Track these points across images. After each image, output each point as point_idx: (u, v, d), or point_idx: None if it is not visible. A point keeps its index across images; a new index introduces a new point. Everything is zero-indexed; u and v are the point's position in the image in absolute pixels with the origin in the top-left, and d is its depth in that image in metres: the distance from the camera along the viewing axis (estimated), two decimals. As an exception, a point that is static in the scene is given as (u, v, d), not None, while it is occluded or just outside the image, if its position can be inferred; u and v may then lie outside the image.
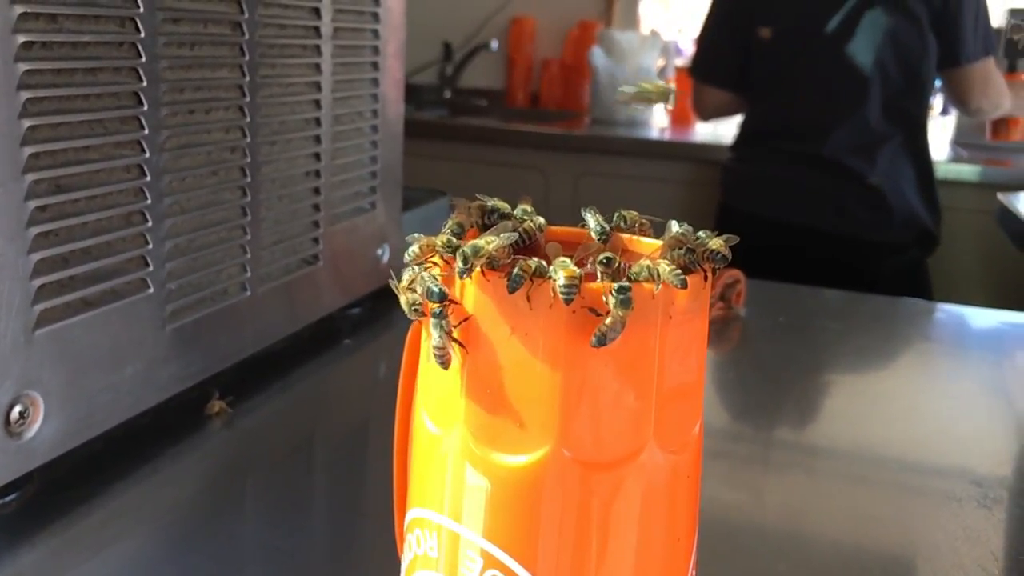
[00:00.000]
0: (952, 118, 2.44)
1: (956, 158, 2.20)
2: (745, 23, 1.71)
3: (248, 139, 0.60)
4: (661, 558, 0.28)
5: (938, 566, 0.47)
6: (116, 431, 0.52)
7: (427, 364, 0.29)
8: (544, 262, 0.26)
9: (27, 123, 0.44)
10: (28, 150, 0.44)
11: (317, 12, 0.65)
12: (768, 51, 1.70)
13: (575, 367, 0.26)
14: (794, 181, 1.70)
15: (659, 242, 0.30)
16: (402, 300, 0.29)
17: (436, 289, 0.27)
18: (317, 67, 0.66)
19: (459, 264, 0.26)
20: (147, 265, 0.53)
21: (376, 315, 0.80)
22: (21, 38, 0.43)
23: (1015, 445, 0.65)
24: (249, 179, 0.60)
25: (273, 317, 0.65)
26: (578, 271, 0.25)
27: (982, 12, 1.64)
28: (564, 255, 0.28)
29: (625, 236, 0.31)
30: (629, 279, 0.26)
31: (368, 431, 0.64)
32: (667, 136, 2.37)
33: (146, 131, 0.51)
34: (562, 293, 0.25)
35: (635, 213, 0.33)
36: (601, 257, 0.27)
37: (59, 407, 0.48)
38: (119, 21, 0.49)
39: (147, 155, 0.51)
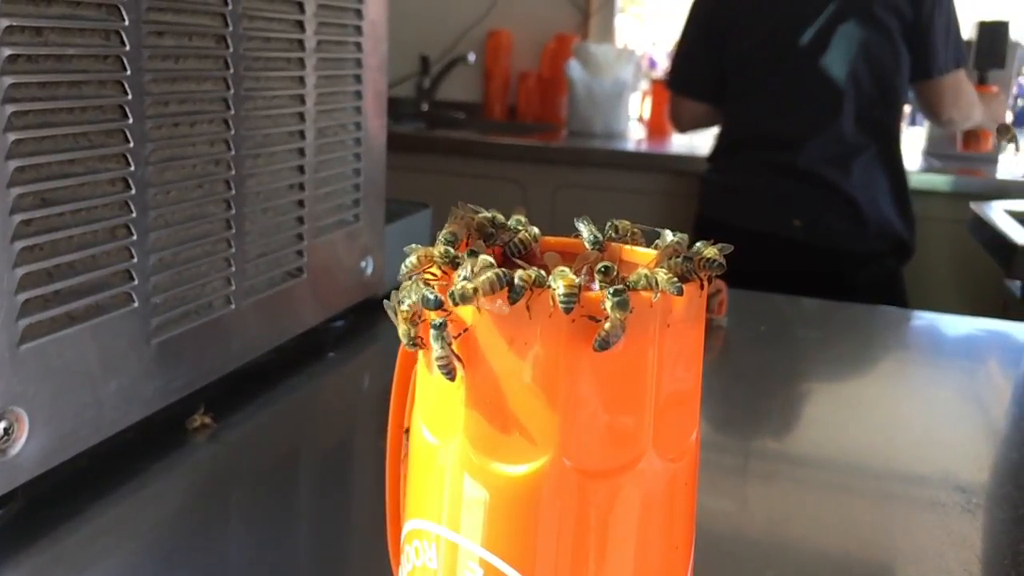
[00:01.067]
0: (924, 129, 2.47)
1: (928, 168, 2.23)
2: (721, 36, 1.73)
3: (233, 152, 0.60)
4: (659, 565, 0.28)
5: (924, 570, 0.48)
6: (100, 447, 0.52)
7: (426, 376, 0.29)
8: (543, 272, 0.26)
9: (12, 137, 0.43)
10: (13, 164, 0.44)
11: (301, 25, 0.66)
12: (744, 63, 1.72)
13: (575, 376, 0.26)
14: (771, 192, 1.72)
15: (653, 251, 0.31)
16: (400, 330, 0.28)
17: (432, 296, 0.27)
18: (301, 80, 0.66)
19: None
20: (132, 279, 0.52)
21: (359, 328, 0.80)
22: (7, 51, 0.43)
23: (994, 451, 0.66)
24: (234, 192, 0.60)
25: (258, 330, 0.65)
26: (577, 280, 0.26)
27: (953, 25, 1.67)
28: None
29: (618, 245, 0.31)
30: (627, 287, 0.26)
31: (356, 444, 0.64)
32: (644, 148, 2.39)
33: (131, 144, 0.51)
34: (562, 302, 0.25)
35: (627, 222, 0.34)
36: (599, 266, 0.27)
37: (44, 423, 0.47)
38: (104, 34, 0.49)
39: (132, 168, 0.51)
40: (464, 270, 0.26)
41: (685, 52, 1.83)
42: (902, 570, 0.48)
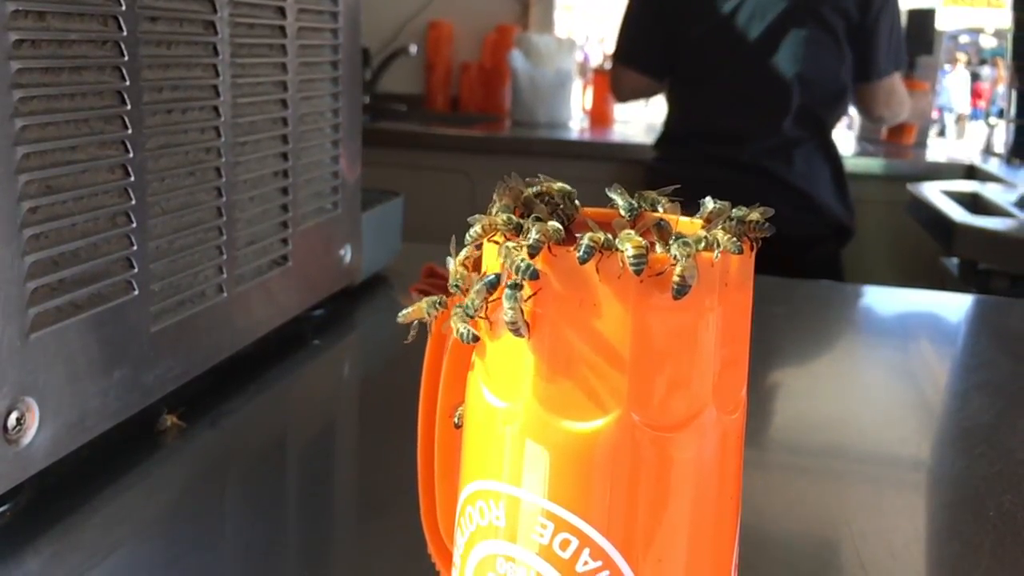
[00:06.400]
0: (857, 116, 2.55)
1: (862, 152, 2.30)
2: (671, 17, 1.75)
3: (222, 139, 0.59)
4: (715, 513, 0.30)
5: (917, 525, 0.50)
6: (99, 438, 0.51)
7: (491, 341, 0.29)
8: (610, 235, 0.27)
9: (20, 123, 0.43)
10: (21, 150, 0.43)
11: (282, 12, 0.65)
12: (693, 51, 1.75)
13: (643, 334, 0.27)
14: (716, 182, 1.75)
15: (693, 220, 0.32)
16: (456, 326, 0.29)
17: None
18: (283, 67, 0.66)
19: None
20: (132, 267, 0.52)
21: (339, 316, 0.80)
22: (12, 36, 0.42)
23: (964, 416, 0.69)
24: (224, 180, 0.60)
25: (248, 318, 0.65)
26: (644, 242, 0.27)
27: (895, 29, 1.71)
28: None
29: (655, 215, 0.33)
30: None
31: (354, 428, 0.64)
32: (587, 137, 2.41)
33: (129, 130, 0.50)
34: (631, 264, 0.26)
35: (652, 193, 0.35)
36: (656, 221, 0.28)
37: (53, 413, 0.47)
38: (102, 19, 0.48)
39: (131, 155, 0.51)
40: (532, 234, 0.27)
41: (633, 25, 1.85)
42: (899, 528, 0.50)
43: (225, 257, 0.61)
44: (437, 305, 0.30)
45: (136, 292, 0.52)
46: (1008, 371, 0.78)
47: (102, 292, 0.50)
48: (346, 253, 0.79)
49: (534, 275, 0.27)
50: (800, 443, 0.63)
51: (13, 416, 0.44)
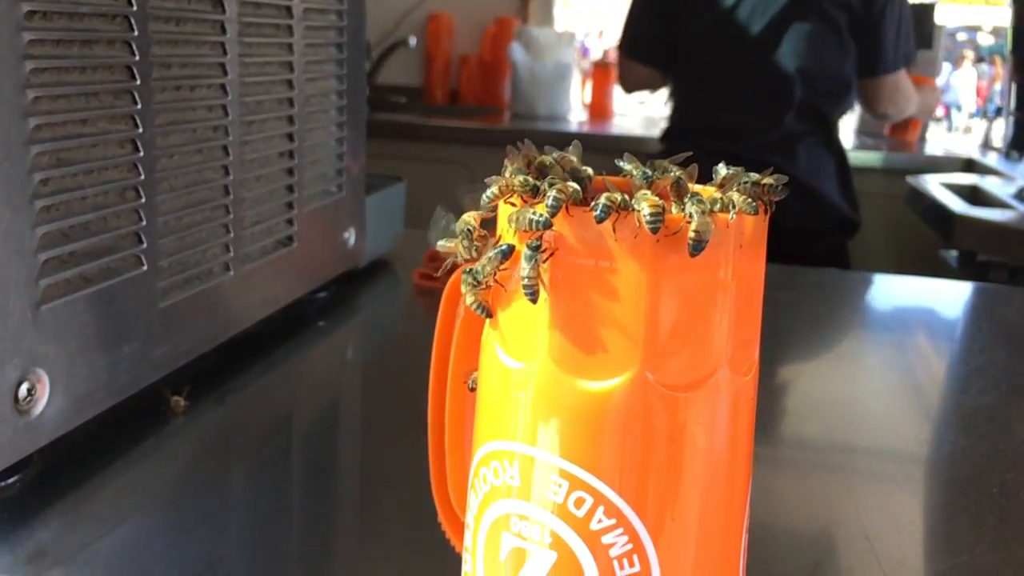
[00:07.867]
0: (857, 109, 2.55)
1: (861, 146, 2.30)
2: (674, 11, 1.75)
3: (230, 118, 0.59)
4: (728, 472, 0.30)
5: (921, 499, 0.51)
6: (107, 413, 0.51)
7: (505, 303, 0.30)
8: (627, 196, 0.27)
9: (32, 94, 0.43)
10: (33, 121, 0.43)
11: (289, -9, 0.66)
12: (695, 45, 1.74)
13: (659, 293, 0.27)
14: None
15: (707, 187, 0.32)
16: (469, 298, 0.29)
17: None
18: (290, 47, 0.66)
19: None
20: (141, 242, 0.52)
21: (343, 298, 0.81)
22: (25, 6, 0.42)
23: (966, 397, 0.70)
24: (231, 158, 0.60)
25: (253, 298, 0.65)
26: (660, 201, 0.27)
27: (904, 23, 1.69)
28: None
29: (670, 178, 0.33)
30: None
31: (358, 406, 0.64)
32: (586, 130, 2.42)
33: (138, 105, 0.51)
34: (648, 223, 0.26)
35: (665, 162, 0.35)
36: (673, 178, 0.29)
37: (63, 385, 0.47)
38: (112, -7, 0.48)
39: (140, 130, 0.51)
40: (552, 193, 0.28)
41: (637, 18, 1.84)
42: (904, 503, 0.51)
43: (232, 236, 0.61)
44: (470, 248, 0.30)
45: (145, 267, 0.52)
46: (1008, 356, 0.78)
47: (111, 266, 0.50)
48: (350, 236, 0.80)
49: (547, 225, 0.27)
50: (805, 422, 0.63)
51: (24, 387, 0.44)
